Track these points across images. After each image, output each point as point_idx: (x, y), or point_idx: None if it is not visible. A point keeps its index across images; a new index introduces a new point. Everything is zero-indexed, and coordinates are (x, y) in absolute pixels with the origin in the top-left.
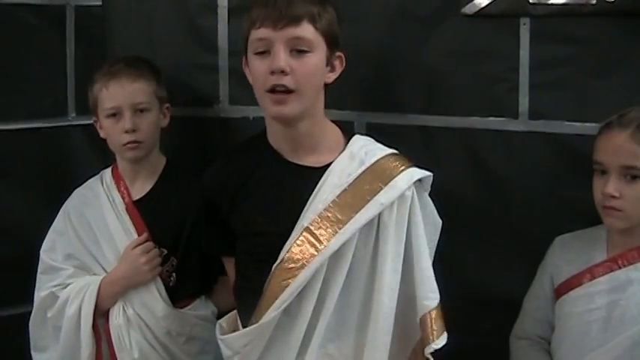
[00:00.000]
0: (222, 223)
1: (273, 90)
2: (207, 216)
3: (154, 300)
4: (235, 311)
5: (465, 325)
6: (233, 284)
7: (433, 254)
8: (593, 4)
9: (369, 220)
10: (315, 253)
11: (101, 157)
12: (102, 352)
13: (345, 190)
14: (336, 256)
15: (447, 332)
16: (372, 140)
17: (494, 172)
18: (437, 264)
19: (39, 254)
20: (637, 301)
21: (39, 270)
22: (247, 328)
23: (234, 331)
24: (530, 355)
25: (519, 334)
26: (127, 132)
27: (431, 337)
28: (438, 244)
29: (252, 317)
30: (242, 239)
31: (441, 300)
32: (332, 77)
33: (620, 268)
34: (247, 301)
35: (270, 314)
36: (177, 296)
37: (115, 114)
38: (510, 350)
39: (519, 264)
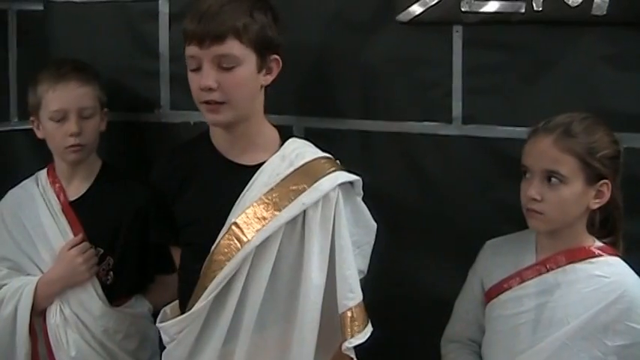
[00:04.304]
0: (168, 214)
1: (206, 101)
2: (156, 206)
3: (90, 299)
4: None
5: (398, 326)
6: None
7: (369, 255)
8: (522, 13)
9: (292, 218)
10: (240, 246)
11: (43, 161)
12: (38, 351)
13: (272, 189)
14: (261, 250)
15: (381, 332)
16: (309, 144)
17: (429, 176)
18: (372, 265)
19: None
20: (564, 304)
21: None
22: (180, 317)
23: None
24: (460, 358)
25: (450, 337)
26: (71, 135)
27: (348, 334)
28: (374, 244)
29: (187, 306)
30: (182, 230)
31: (376, 300)
32: (269, 79)
33: (548, 271)
34: (184, 291)
35: (200, 303)
36: (114, 294)
37: (61, 117)
38: (441, 353)
39: (453, 266)
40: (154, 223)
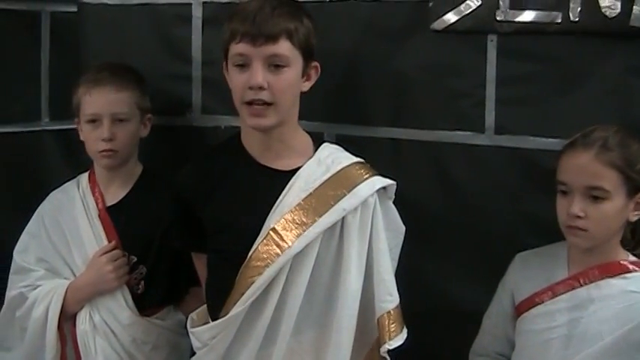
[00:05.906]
0: (193, 220)
1: (250, 102)
2: (179, 212)
3: (119, 307)
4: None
5: (422, 336)
6: (205, 281)
7: (397, 258)
8: (558, 23)
9: (332, 224)
10: (280, 252)
11: (73, 162)
12: (67, 355)
13: (310, 194)
14: (300, 256)
15: (405, 341)
16: (341, 148)
17: (460, 185)
18: (399, 273)
19: (6, 257)
20: (598, 319)
21: (11, 270)
22: (215, 322)
23: (204, 324)
24: None
25: (478, 350)
26: (103, 140)
27: (387, 337)
28: (401, 254)
29: (220, 312)
30: (212, 237)
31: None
32: (307, 86)
33: (581, 285)
34: (216, 297)
35: (237, 309)
36: (145, 304)
37: (95, 120)
38: None
39: (481, 277)
40: (175, 229)
